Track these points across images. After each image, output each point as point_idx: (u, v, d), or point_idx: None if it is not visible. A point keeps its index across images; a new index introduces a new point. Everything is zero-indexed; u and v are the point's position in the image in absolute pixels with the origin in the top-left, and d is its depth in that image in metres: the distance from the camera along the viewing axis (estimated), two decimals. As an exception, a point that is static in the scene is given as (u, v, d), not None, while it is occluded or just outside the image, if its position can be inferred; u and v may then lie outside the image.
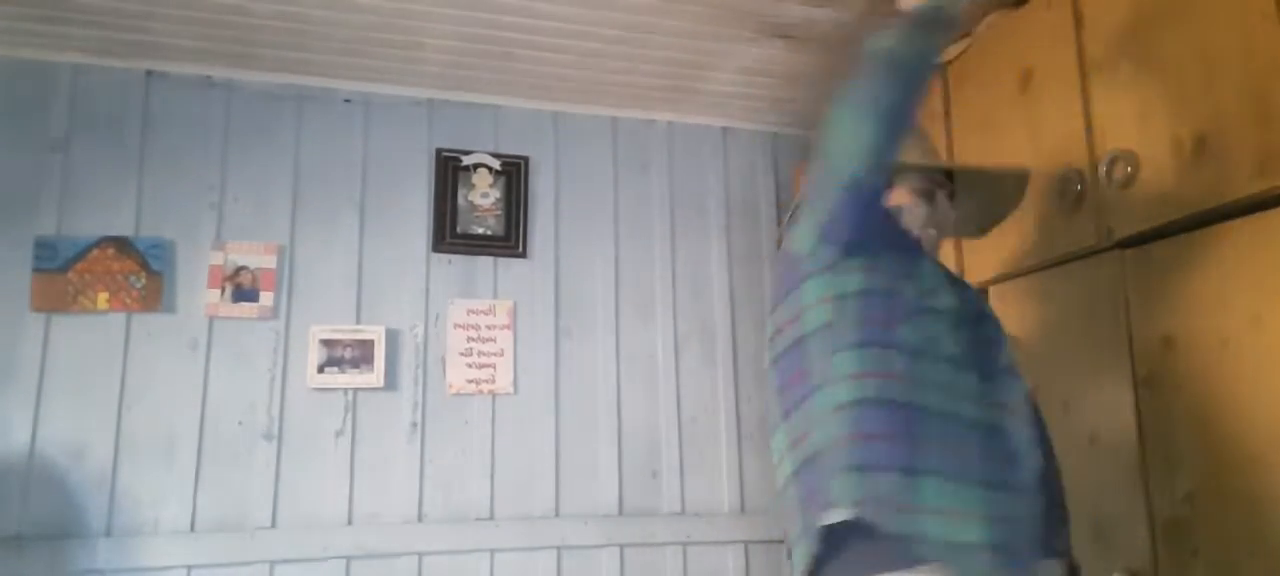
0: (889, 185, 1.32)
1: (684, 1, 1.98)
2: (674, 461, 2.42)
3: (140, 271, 2.12)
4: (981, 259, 1.85)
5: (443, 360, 2.30)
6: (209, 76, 2.27)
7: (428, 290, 2.33)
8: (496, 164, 2.43)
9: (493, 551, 2.22)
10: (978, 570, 1.01)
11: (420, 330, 2.30)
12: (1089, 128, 1.57)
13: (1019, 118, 1.76)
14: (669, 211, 2.57)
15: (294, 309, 2.22)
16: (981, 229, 1.57)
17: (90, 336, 2.08)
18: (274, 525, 2.10)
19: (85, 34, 2.08)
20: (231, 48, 2.16)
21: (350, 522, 2.15)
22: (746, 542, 2.40)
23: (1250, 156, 1.26)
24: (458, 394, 2.30)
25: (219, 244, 2.19)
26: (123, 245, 2.12)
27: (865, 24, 2.07)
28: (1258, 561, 1.24)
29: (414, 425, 2.25)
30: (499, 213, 2.41)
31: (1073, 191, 1.57)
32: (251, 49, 2.17)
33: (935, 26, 1.16)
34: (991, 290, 1.84)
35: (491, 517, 2.25)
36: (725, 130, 2.68)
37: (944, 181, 1.44)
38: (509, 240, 2.41)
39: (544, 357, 2.38)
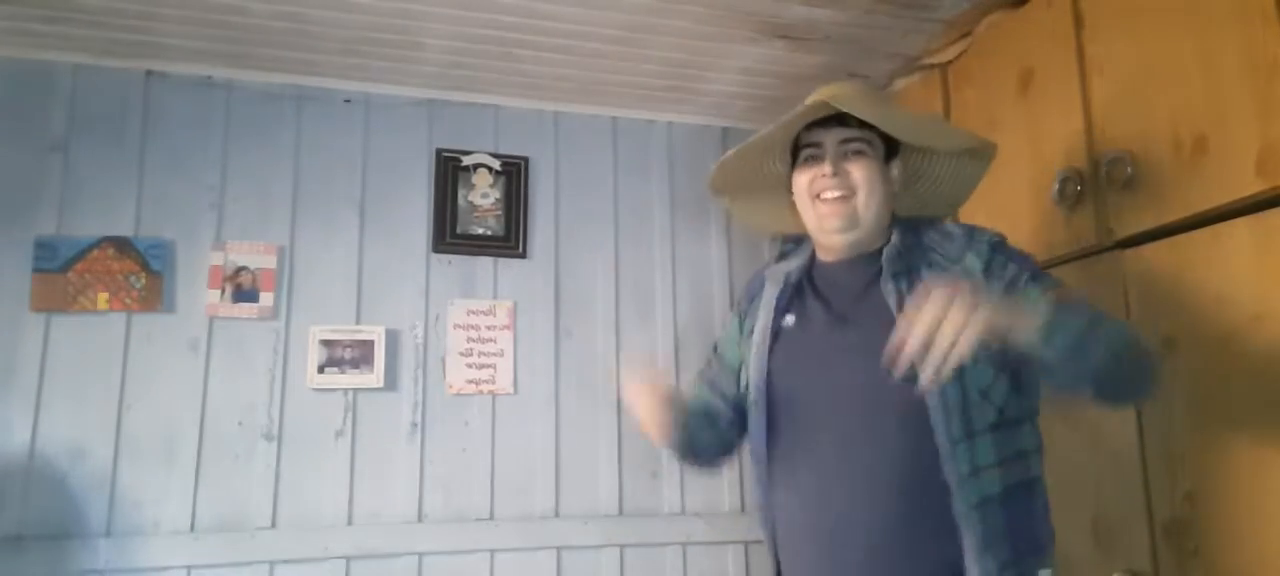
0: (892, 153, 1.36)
1: (684, 1, 1.98)
2: (674, 461, 2.42)
3: (140, 271, 2.12)
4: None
5: (443, 360, 2.30)
6: (209, 76, 2.27)
7: (428, 290, 2.33)
8: (496, 164, 2.43)
9: (493, 551, 2.22)
10: None
11: (420, 330, 2.30)
12: (1089, 128, 1.57)
13: (1019, 118, 1.76)
14: (669, 211, 2.57)
15: (294, 309, 2.22)
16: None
17: (90, 336, 2.08)
18: (274, 525, 2.10)
19: (85, 34, 2.07)
20: (231, 48, 2.16)
21: (350, 522, 2.15)
22: (746, 542, 2.40)
23: (1250, 156, 1.26)
24: (458, 394, 2.30)
25: (219, 244, 2.19)
26: (123, 245, 2.12)
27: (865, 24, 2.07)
28: (1258, 561, 1.24)
29: (414, 425, 2.25)
30: (499, 213, 2.41)
31: (1073, 191, 1.57)
32: (251, 49, 2.17)
33: None
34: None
35: (491, 517, 2.25)
36: (725, 130, 2.68)
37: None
38: (509, 240, 2.41)
39: (544, 357, 2.38)
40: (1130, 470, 1.44)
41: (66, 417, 2.03)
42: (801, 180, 1.33)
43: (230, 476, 2.10)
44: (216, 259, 2.18)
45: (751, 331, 1.37)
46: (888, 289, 1.24)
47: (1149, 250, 1.45)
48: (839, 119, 1.29)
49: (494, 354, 2.34)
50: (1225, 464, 1.30)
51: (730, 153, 1.40)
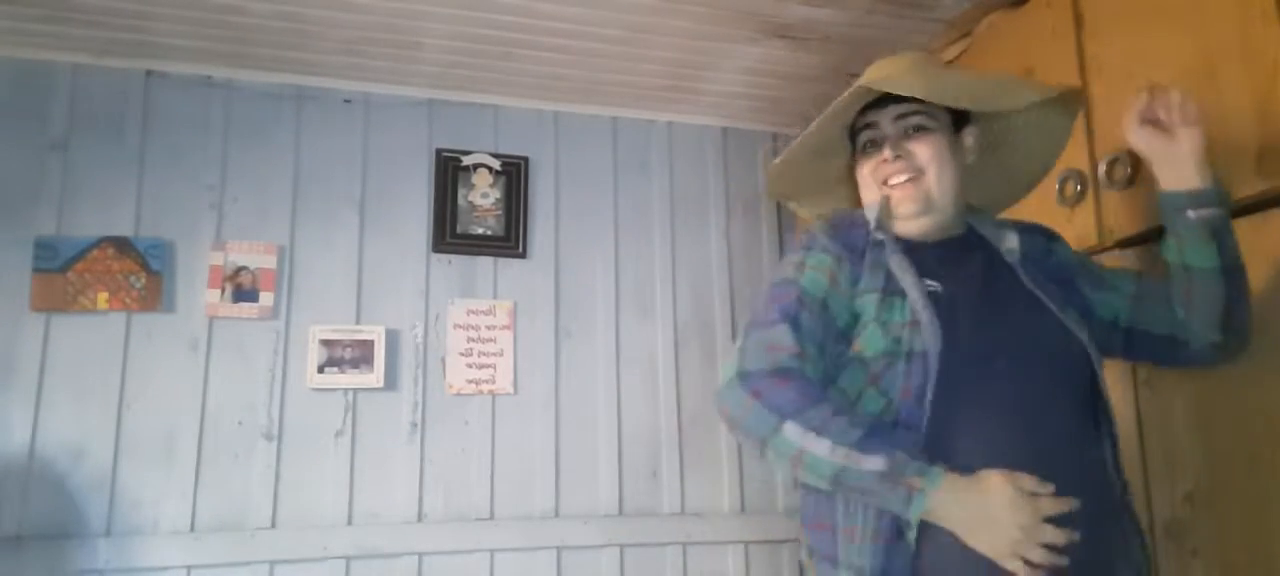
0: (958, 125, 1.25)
1: (684, 1, 1.98)
2: (674, 461, 2.42)
3: (140, 271, 2.12)
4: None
5: (443, 360, 2.30)
6: (209, 76, 2.27)
7: (428, 290, 2.33)
8: (496, 164, 2.43)
9: (493, 551, 2.22)
10: None
11: (420, 330, 2.30)
12: (1089, 128, 1.57)
13: (1019, 118, 1.76)
14: (669, 211, 2.57)
15: (294, 309, 2.22)
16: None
17: (90, 336, 2.08)
18: (274, 525, 2.10)
19: (85, 34, 2.07)
20: (231, 48, 2.16)
21: (350, 522, 2.15)
22: (746, 543, 2.40)
23: (1250, 156, 1.26)
24: (458, 394, 2.29)
25: (219, 244, 2.19)
26: (123, 245, 2.12)
27: (865, 24, 2.07)
28: (1258, 561, 1.24)
29: (414, 425, 2.25)
30: (499, 213, 2.41)
31: (1073, 191, 1.57)
32: (251, 49, 2.17)
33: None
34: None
35: (491, 517, 2.25)
36: (725, 130, 2.68)
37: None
38: (509, 240, 2.41)
39: (544, 357, 2.38)
40: (1130, 470, 1.44)
41: (66, 417, 2.03)
42: (865, 169, 1.24)
43: (230, 476, 2.10)
44: (216, 259, 2.18)
45: (877, 290, 1.15)
46: (1027, 277, 1.19)
47: (1149, 250, 1.45)
48: (894, 96, 1.19)
49: (494, 354, 2.34)
50: (1225, 464, 1.30)
51: (779, 158, 1.30)
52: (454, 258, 2.37)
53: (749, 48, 2.20)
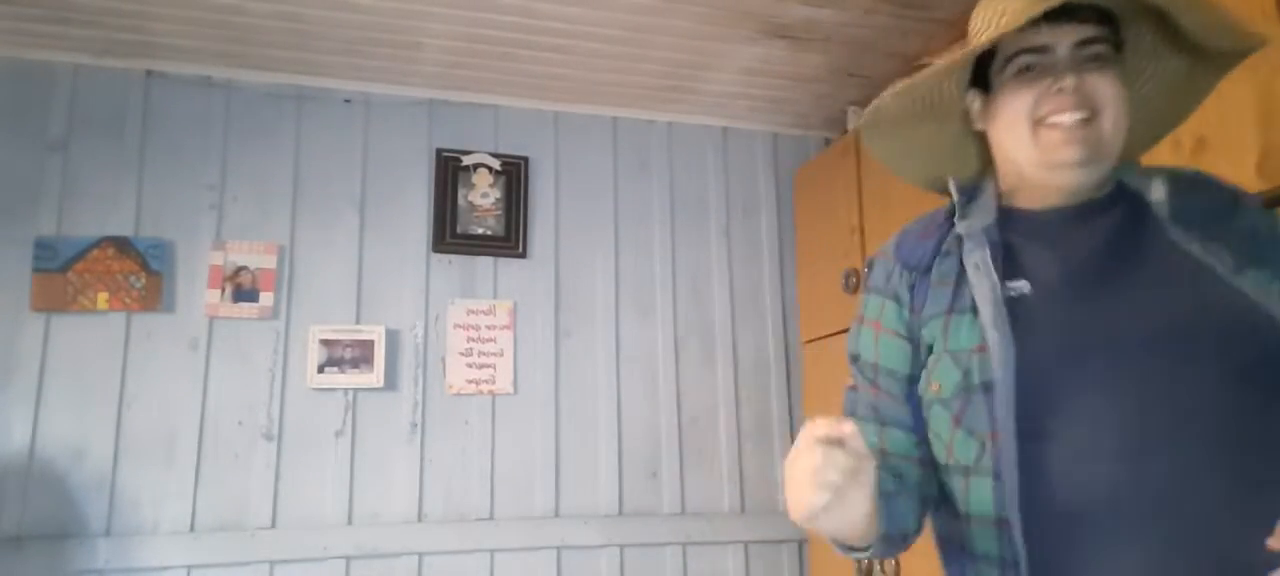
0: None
1: (684, 1, 1.98)
2: (674, 461, 2.42)
3: (140, 271, 2.12)
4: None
5: (443, 360, 2.30)
6: (209, 76, 2.27)
7: (428, 290, 2.33)
8: (496, 164, 2.43)
9: (493, 551, 2.22)
10: None
11: (420, 330, 2.30)
12: (1089, 128, 1.57)
13: (1019, 118, 1.76)
14: (669, 211, 2.57)
15: (294, 309, 2.22)
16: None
17: (90, 336, 2.08)
18: (274, 525, 2.10)
19: (85, 34, 2.08)
20: (231, 48, 2.16)
21: (350, 522, 2.15)
22: (746, 543, 2.40)
23: (1250, 156, 1.26)
24: (458, 394, 2.29)
25: (219, 244, 2.19)
26: (123, 245, 2.12)
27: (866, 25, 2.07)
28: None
29: (414, 425, 2.25)
30: (499, 213, 2.41)
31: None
32: (251, 49, 2.17)
33: None
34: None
35: (491, 517, 2.25)
36: (725, 130, 2.68)
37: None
38: (509, 240, 2.41)
39: (544, 357, 2.38)
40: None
41: (66, 417, 2.03)
42: (1020, 102, 0.95)
43: (230, 476, 2.10)
44: (216, 259, 2.18)
45: (942, 313, 0.97)
46: (1182, 235, 0.91)
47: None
48: (1068, 11, 0.92)
49: (494, 354, 2.34)
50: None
51: (904, 83, 1.00)
52: (454, 257, 2.37)
53: (749, 48, 2.20)
